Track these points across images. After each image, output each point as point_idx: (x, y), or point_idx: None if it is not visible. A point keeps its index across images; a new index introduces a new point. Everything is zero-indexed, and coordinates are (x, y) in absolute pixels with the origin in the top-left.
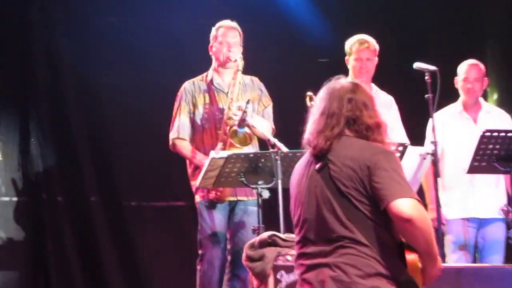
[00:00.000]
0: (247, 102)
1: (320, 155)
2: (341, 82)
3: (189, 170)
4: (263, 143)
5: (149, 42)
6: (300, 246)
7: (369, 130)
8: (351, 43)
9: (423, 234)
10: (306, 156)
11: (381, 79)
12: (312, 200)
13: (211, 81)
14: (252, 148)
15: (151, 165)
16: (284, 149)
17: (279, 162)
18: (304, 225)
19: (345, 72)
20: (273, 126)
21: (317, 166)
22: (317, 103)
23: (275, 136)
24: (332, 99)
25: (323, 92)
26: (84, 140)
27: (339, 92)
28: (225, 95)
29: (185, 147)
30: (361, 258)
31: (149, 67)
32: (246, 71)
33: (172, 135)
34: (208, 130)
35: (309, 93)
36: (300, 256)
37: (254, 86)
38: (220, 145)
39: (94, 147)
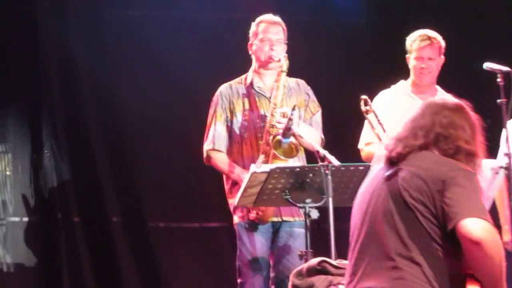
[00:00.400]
0: (293, 109)
1: (393, 162)
2: (445, 98)
3: (226, 187)
4: (311, 156)
5: (176, 38)
6: (351, 266)
7: (459, 154)
8: (412, 39)
9: (492, 262)
10: (379, 166)
11: (444, 80)
12: (372, 212)
13: (251, 84)
14: (298, 161)
15: (181, 181)
16: (336, 162)
17: (329, 177)
18: (358, 240)
19: (406, 75)
20: (322, 136)
21: (387, 173)
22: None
23: (325, 147)
24: (426, 111)
25: (421, 104)
26: (104, 152)
27: (437, 106)
28: (267, 100)
29: (221, 160)
30: (415, 284)
31: (176, 68)
32: (291, 72)
33: (206, 146)
34: (248, 141)
35: (363, 96)
36: (350, 276)
37: (300, 90)
38: (261, 157)
39: (115, 160)
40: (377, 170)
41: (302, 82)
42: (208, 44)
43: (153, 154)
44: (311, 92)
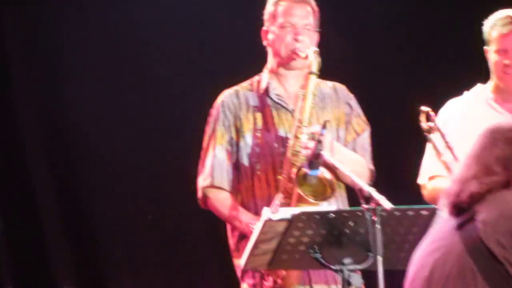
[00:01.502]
0: (323, 126)
1: (463, 208)
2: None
3: (231, 241)
4: (353, 194)
5: (153, 34)
6: None
7: None
8: (490, 24)
9: None
10: (440, 221)
11: None
12: (438, 278)
13: (266, 90)
14: (334, 203)
15: (160, 234)
16: (387, 204)
17: (378, 226)
18: None
19: (485, 76)
20: (372, 167)
21: (457, 221)
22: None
23: (375, 182)
24: (497, 137)
25: (482, 132)
26: (49, 196)
27: (508, 132)
28: (290, 114)
29: (223, 201)
30: None
31: (153, 67)
32: (325, 74)
33: (202, 181)
34: (261, 174)
35: (424, 108)
36: None
37: (339, 99)
38: (280, 198)
39: (65, 207)
40: (441, 222)
41: (341, 87)
42: (197, 31)
43: (117, 196)
44: (354, 102)
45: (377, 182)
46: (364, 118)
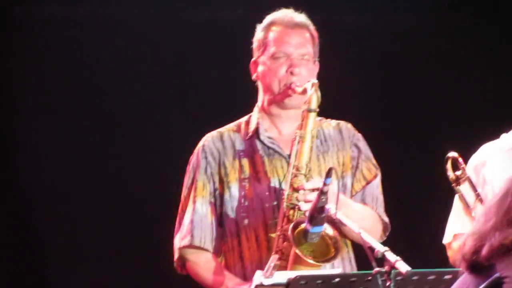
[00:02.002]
0: (328, 174)
1: (482, 266)
2: None
3: None
4: (362, 255)
5: (117, 47)
6: None
7: None
8: None
9: None
10: (457, 285)
11: None
12: None
13: (256, 132)
14: (339, 266)
15: None
16: (404, 267)
17: None
18: None
19: None
20: (386, 218)
21: (482, 286)
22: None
23: (390, 241)
24: None
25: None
26: None
27: None
28: (285, 160)
29: (205, 265)
30: None
31: (119, 96)
32: (325, 111)
33: (179, 241)
34: (250, 232)
35: (452, 154)
36: None
37: (344, 141)
38: (274, 259)
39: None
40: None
41: (347, 126)
42: (175, 65)
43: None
44: (363, 144)
45: (393, 240)
46: (374, 161)
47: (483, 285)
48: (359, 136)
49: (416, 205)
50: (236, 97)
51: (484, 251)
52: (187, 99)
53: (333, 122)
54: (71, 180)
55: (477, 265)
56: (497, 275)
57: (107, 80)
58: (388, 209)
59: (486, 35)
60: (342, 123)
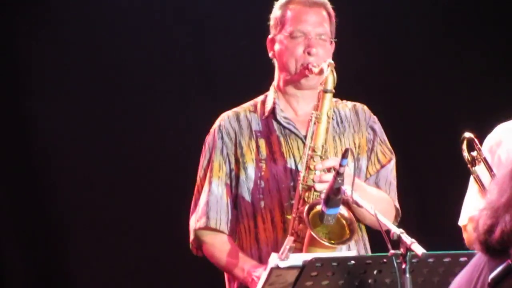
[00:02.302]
0: (344, 154)
1: (497, 249)
2: None
3: None
4: (378, 236)
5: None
6: None
7: None
8: None
9: None
10: (473, 263)
11: None
12: None
13: (273, 112)
14: (354, 248)
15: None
16: (419, 249)
17: (408, 276)
18: None
19: None
20: (397, 204)
21: (494, 273)
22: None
23: (402, 222)
24: None
25: None
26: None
27: None
28: (301, 141)
29: (221, 246)
30: None
31: (123, 83)
32: (341, 92)
33: (195, 222)
34: (267, 213)
35: (467, 134)
36: None
37: (360, 123)
38: (290, 241)
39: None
40: (470, 268)
41: (363, 109)
42: (188, 40)
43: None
44: (378, 127)
45: (408, 223)
46: (389, 145)
47: (494, 273)
48: (375, 118)
49: (432, 187)
50: (252, 76)
51: (497, 233)
52: (203, 78)
53: (349, 104)
54: (91, 167)
55: (491, 247)
56: (508, 262)
57: (120, 58)
58: (404, 192)
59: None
60: (358, 105)
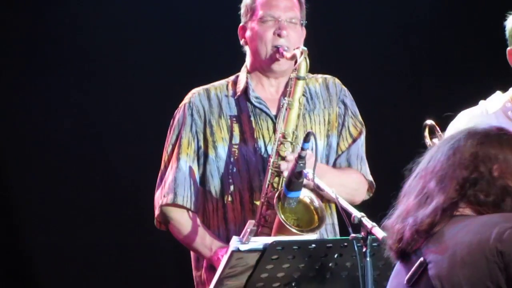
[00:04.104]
0: (306, 138)
1: (408, 253)
2: (476, 127)
3: (196, 273)
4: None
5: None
6: None
7: (504, 201)
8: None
9: None
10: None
11: None
12: None
13: (245, 92)
14: (325, 229)
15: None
16: (380, 233)
17: (368, 259)
18: None
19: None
20: (370, 178)
21: (407, 276)
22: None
23: (364, 204)
24: (446, 151)
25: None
26: None
27: (462, 140)
28: (271, 121)
29: (186, 223)
30: None
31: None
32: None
33: (161, 198)
34: (236, 195)
35: (429, 122)
36: None
37: (331, 98)
38: (251, 224)
39: None
40: (394, 272)
41: (334, 82)
42: (164, 24)
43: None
44: (349, 100)
45: (369, 204)
46: (360, 118)
47: (409, 273)
48: (345, 91)
49: (390, 172)
50: (220, 60)
51: (405, 241)
52: (177, 58)
53: (320, 78)
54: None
55: (404, 253)
56: (421, 259)
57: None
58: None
59: None
60: (329, 77)
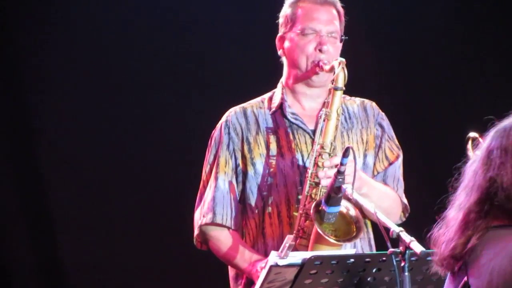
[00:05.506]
0: (345, 153)
1: (454, 267)
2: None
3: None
4: (379, 234)
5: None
6: None
7: None
8: None
9: None
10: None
11: None
12: None
13: (281, 108)
14: (360, 245)
15: None
16: (418, 247)
17: (407, 274)
18: None
19: None
20: (405, 200)
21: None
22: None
23: (408, 221)
24: (493, 153)
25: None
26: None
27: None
28: (309, 136)
29: (226, 241)
30: None
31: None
32: (351, 90)
33: (200, 218)
34: (273, 208)
35: (472, 134)
36: None
37: (369, 119)
38: (290, 239)
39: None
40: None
41: (372, 105)
42: (197, 37)
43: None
44: (387, 123)
45: (411, 220)
46: (396, 142)
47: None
48: (383, 115)
49: (434, 185)
50: (262, 73)
51: (447, 256)
52: (212, 75)
53: (358, 100)
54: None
55: (450, 266)
56: (465, 279)
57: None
58: (419, 189)
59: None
60: (367, 101)
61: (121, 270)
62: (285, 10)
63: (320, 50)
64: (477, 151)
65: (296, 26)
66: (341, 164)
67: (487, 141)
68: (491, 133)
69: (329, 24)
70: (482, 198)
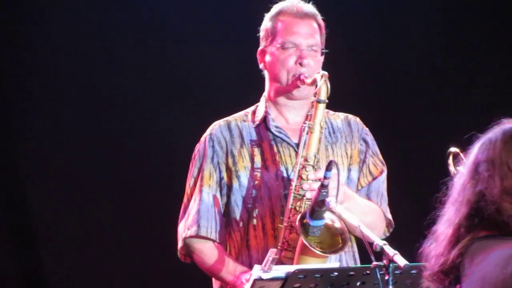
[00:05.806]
0: (328, 167)
1: (447, 285)
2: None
3: None
4: (364, 248)
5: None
6: None
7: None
8: None
9: None
10: None
11: None
12: None
13: (264, 121)
14: (344, 258)
15: None
16: (402, 261)
17: (391, 287)
18: None
19: None
20: (389, 216)
21: None
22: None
23: (391, 235)
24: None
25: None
26: None
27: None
28: (293, 149)
29: (210, 254)
30: None
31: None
32: (334, 104)
33: (184, 230)
34: (258, 221)
35: (452, 149)
36: None
37: (353, 134)
38: (273, 252)
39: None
40: None
41: (355, 120)
42: (179, 50)
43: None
44: (371, 139)
45: (392, 235)
46: (381, 157)
47: None
48: (367, 130)
49: (417, 200)
50: (241, 88)
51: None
52: (189, 90)
53: (341, 115)
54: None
55: (442, 284)
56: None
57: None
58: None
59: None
60: (351, 116)
61: (105, 283)
62: (265, 24)
63: (301, 64)
64: (460, 166)
65: (276, 40)
66: (325, 177)
67: (473, 154)
68: (477, 146)
69: (309, 37)
70: (471, 213)
